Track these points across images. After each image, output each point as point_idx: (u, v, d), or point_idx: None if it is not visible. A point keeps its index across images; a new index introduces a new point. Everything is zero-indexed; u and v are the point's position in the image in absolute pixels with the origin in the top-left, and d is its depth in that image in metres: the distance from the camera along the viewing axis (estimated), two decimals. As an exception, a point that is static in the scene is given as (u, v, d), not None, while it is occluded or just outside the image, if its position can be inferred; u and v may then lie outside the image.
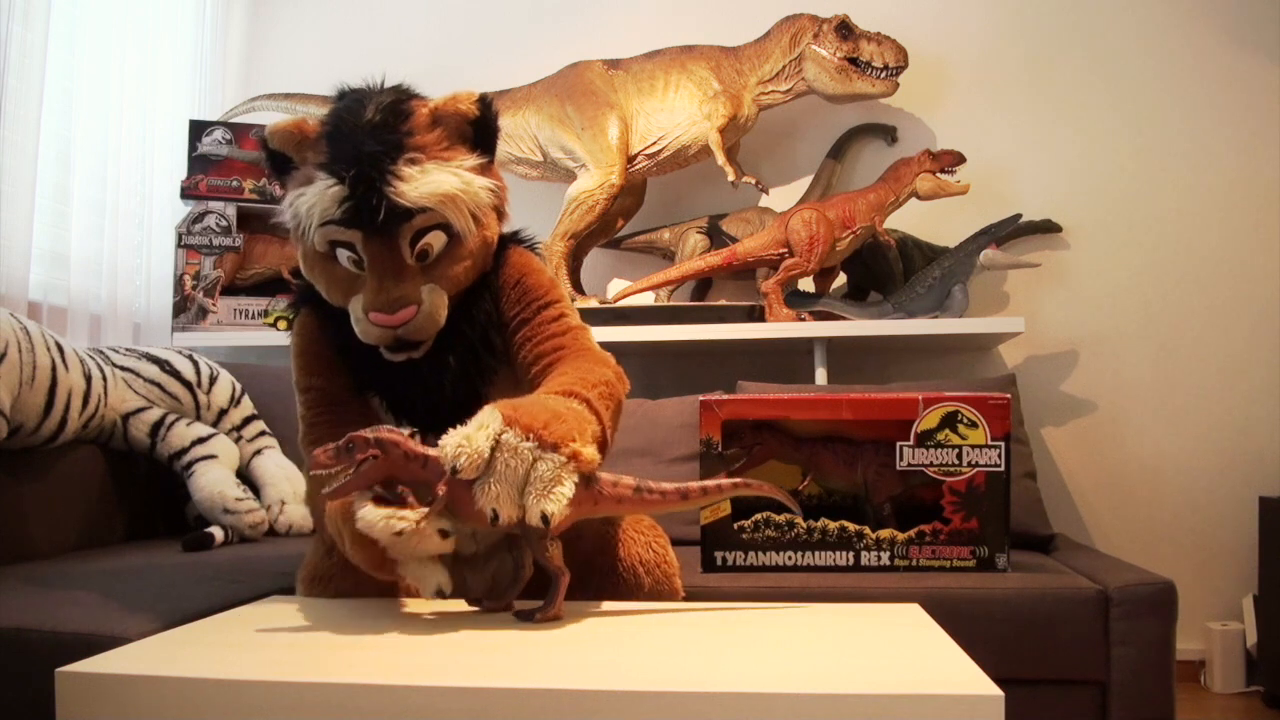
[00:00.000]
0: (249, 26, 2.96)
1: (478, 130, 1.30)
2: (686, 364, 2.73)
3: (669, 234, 2.66)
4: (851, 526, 1.63)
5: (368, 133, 1.22)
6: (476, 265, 1.31)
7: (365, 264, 1.24)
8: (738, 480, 1.18)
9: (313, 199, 1.22)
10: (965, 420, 1.62)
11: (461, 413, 1.33)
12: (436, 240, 1.25)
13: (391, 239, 1.23)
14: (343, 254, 1.25)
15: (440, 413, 1.32)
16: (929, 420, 1.62)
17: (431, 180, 1.22)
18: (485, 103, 1.30)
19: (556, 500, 1.04)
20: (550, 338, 1.32)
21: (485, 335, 1.34)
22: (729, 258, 2.47)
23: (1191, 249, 2.62)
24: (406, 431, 1.12)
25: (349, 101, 1.27)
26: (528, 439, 1.05)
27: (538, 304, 1.34)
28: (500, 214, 1.33)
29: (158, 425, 1.96)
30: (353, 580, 1.21)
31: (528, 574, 1.16)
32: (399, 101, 1.26)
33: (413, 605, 1.19)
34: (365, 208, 1.20)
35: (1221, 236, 2.61)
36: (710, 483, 1.17)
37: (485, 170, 1.29)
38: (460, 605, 1.19)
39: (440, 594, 1.09)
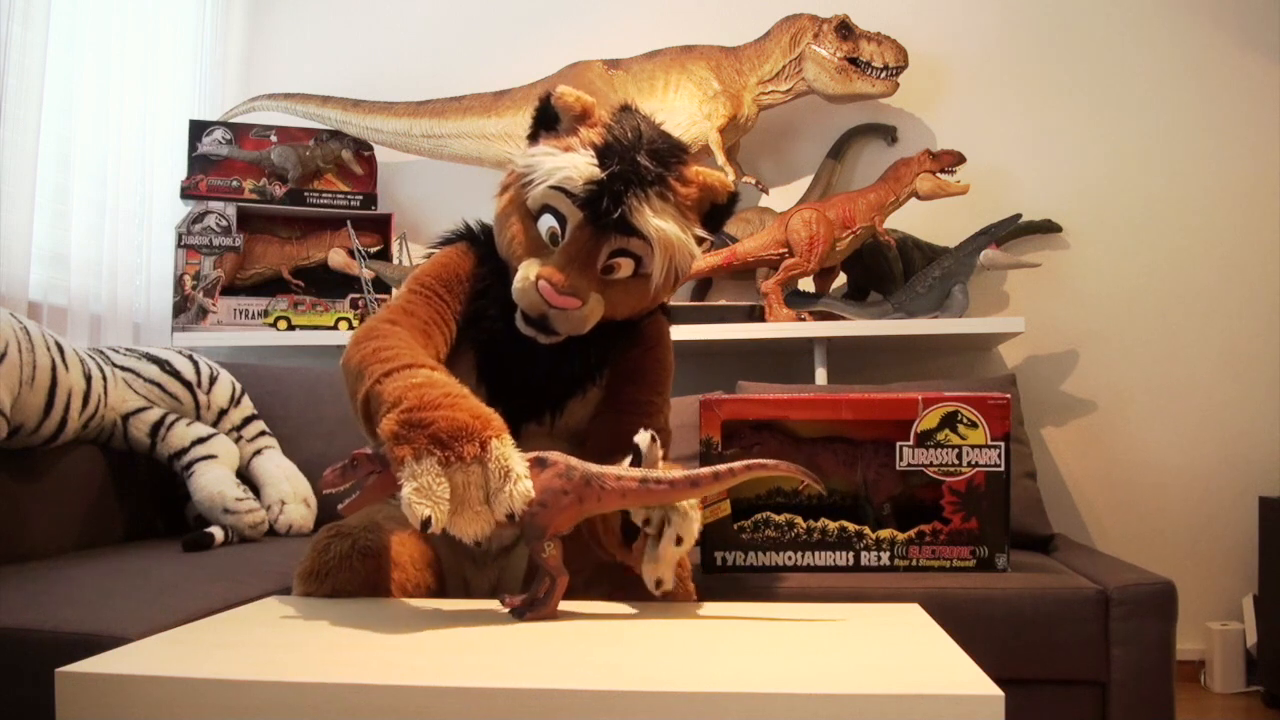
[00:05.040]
0: (249, 26, 2.96)
1: (713, 212, 1.39)
2: (686, 364, 2.71)
3: (669, 234, 2.66)
4: (851, 526, 1.63)
5: (646, 147, 1.30)
6: (638, 309, 1.40)
7: (563, 241, 1.30)
8: (751, 462, 1.13)
9: (564, 163, 1.29)
10: (965, 420, 1.62)
11: (542, 404, 1.40)
12: (626, 267, 1.33)
13: (599, 239, 1.30)
14: (547, 221, 1.32)
15: (527, 392, 1.37)
16: (929, 420, 1.62)
17: (667, 221, 1.29)
18: (734, 197, 1.41)
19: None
20: (638, 430, 1.37)
21: (601, 364, 1.41)
22: (729, 258, 2.47)
23: (1192, 249, 2.62)
24: None
25: (636, 114, 1.36)
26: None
27: (654, 388, 1.45)
28: (679, 284, 1.42)
29: (158, 425, 1.96)
30: (348, 576, 1.22)
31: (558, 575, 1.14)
32: (679, 146, 1.36)
33: (413, 605, 1.19)
34: (607, 200, 1.27)
35: (1222, 236, 2.61)
36: (723, 467, 1.12)
37: (699, 245, 1.38)
38: (459, 605, 1.19)
39: (425, 527, 1.04)
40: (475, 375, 1.38)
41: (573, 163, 1.28)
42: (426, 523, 1.02)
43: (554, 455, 1.11)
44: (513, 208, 1.35)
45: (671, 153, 1.33)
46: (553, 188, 1.29)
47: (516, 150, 1.40)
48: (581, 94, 1.35)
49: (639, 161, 1.28)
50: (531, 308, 1.30)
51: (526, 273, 1.30)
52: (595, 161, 1.28)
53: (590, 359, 1.39)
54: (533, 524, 1.09)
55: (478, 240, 1.44)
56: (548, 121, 1.38)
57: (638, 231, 1.28)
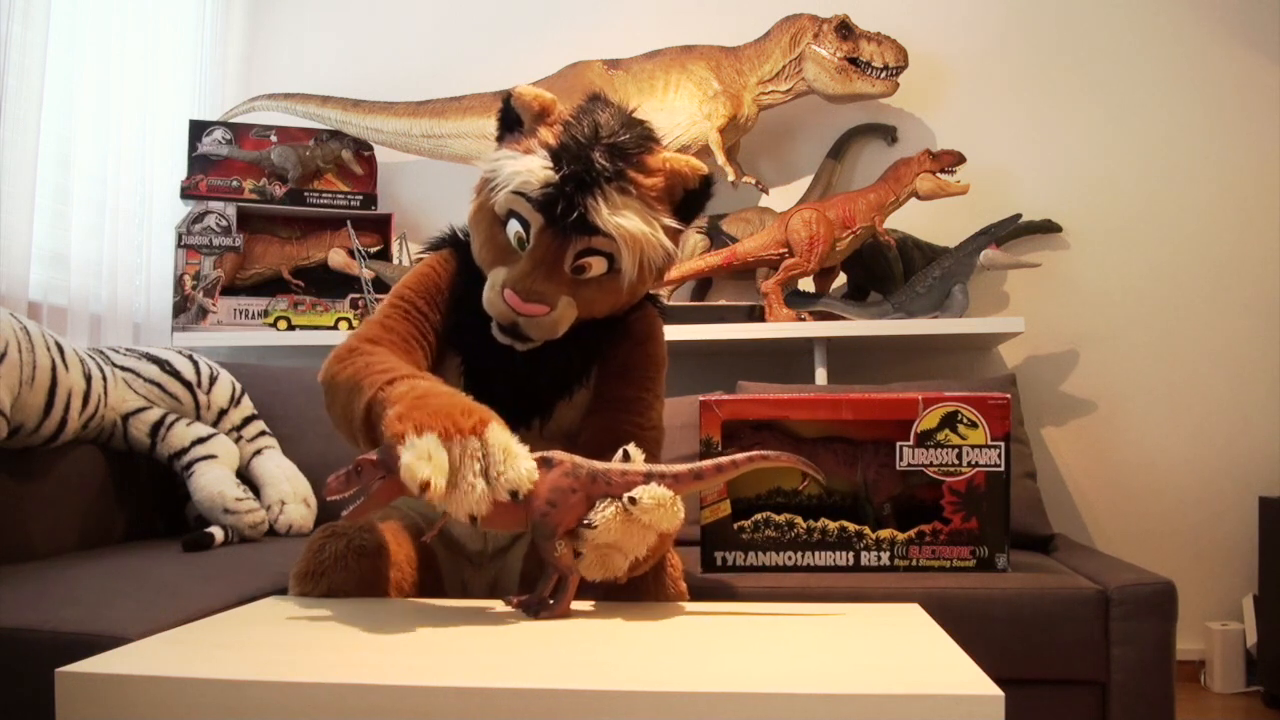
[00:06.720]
0: (249, 26, 2.96)
1: (687, 199, 1.35)
2: (687, 364, 2.73)
3: (669, 234, 2.66)
4: (851, 526, 1.63)
5: (603, 142, 1.27)
6: (615, 306, 1.37)
7: (528, 247, 1.29)
8: (754, 454, 1.14)
9: (521, 167, 1.27)
10: (965, 420, 1.62)
11: (528, 409, 1.39)
12: (597, 265, 1.31)
13: (563, 240, 1.28)
14: (513, 226, 1.31)
15: (512, 397, 1.36)
16: (929, 420, 1.62)
17: (628, 216, 1.27)
18: (707, 182, 1.36)
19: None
20: (629, 427, 1.38)
21: (586, 364, 1.40)
22: (729, 258, 2.47)
23: (1191, 248, 2.62)
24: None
25: (599, 106, 1.33)
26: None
27: (643, 384, 1.42)
28: (660, 277, 1.39)
29: (158, 425, 1.96)
30: (344, 576, 1.22)
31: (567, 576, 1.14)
32: (644, 135, 1.32)
33: (412, 605, 1.19)
34: (562, 203, 1.25)
35: (1221, 236, 2.61)
36: (725, 459, 1.14)
37: (674, 236, 1.35)
38: (459, 605, 1.19)
39: (423, 492, 1.01)
40: (462, 382, 1.38)
41: (528, 166, 1.27)
42: (425, 488, 0.99)
43: (559, 454, 1.12)
44: (482, 214, 1.34)
45: (634, 143, 1.30)
46: (513, 193, 1.28)
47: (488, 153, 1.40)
48: (540, 92, 1.34)
49: (593, 159, 1.26)
50: (501, 317, 1.30)
51: (494, 281, 1.30)
52: (550, 164, 1.26)
53: (573, 361, 1.39)
54: (543, 524, 1.09)
55: (461, 245, 1.44)
56: (511, 123, 1.36)
57: (600, 230, 1.27)
